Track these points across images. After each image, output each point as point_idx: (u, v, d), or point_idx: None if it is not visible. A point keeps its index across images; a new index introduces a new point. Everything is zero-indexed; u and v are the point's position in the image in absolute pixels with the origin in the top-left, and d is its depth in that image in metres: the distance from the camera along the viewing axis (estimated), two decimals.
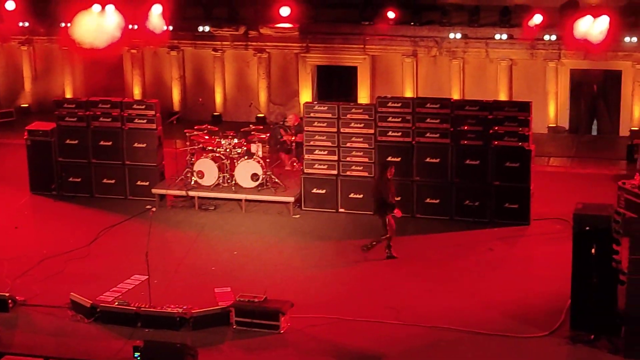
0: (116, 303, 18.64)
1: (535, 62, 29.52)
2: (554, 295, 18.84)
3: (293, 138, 25.46)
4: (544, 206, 23.34)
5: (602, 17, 26.87)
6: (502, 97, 29.36)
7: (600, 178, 25.75)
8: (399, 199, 21.69)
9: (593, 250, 17.23)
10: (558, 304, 18.41)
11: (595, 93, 30.05)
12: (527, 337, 17.65)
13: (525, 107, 23.31)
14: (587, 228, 17.26)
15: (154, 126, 24.97)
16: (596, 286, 17.30)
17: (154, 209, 19.63)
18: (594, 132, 30.39)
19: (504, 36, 29.13)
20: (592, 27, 26.89)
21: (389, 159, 23.50)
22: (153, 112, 24.98)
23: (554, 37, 28.45)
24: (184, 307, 18.25)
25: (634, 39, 27.88)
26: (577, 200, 18.24)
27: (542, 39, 28.72)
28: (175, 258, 21.39)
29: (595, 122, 30.38)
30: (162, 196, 24.75)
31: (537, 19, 28.10)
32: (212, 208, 24.41)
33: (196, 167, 24.44)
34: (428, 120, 23.56)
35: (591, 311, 17.35)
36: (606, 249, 17.20)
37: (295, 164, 25.50)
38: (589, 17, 26.96)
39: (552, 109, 29.70)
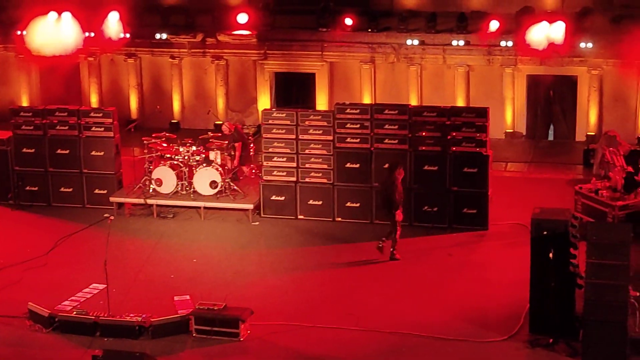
0: (75, 312, 18.51)
1: (492, 68, 29.70)
2: (513, 299, 18.93)
3: (235, 162, 25.18)
4: (502, 211, 23.47)
5: (557, 22, 27.12)
6: (460, 103, 29.52)
7: (558, 183, 25.92)
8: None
9: (551, 255, 17.33)
10: (517, 308, 18.50)
11: (551, 98, 30.28)
12: (487, 341, 17.72)
13: (482, 112, 23.43)
14: (545, 233, 17.36)
15: (111, 134, 24.84)
16: (554, 290, 17.41)
17: (112, 218, 19.48)
18: (551, 137, 30.63)
19: (461, 42, 29.29)
20: (548, 33, 27.11)
21: (348, 165, 23.57)
22: (110, 120, 24.84)
23: (510, 43, 28.62)
24: (143, 316, 18.14)
25: (589, 45, 28.11)
26: (534, 205, 18.35)
27: (499, 45, 28.89)
28: (134, 266, 21.27)
29: (551, 127, 30.62)
30: (120, 204, 24.63)
31: (494, 25, 28.26)
32: (171, 216, 24.32)
33: (154, 175, 24.35)
34: (386, 126, 23.62)
35: (549, 315, 17.46)
36: (564, 253, 17.32)
37: (254, 170, 25.46)
38: (544, 23, 27.18)
39: (510, 115, 29.90)
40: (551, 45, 27.43)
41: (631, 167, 22.96)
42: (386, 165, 21.80)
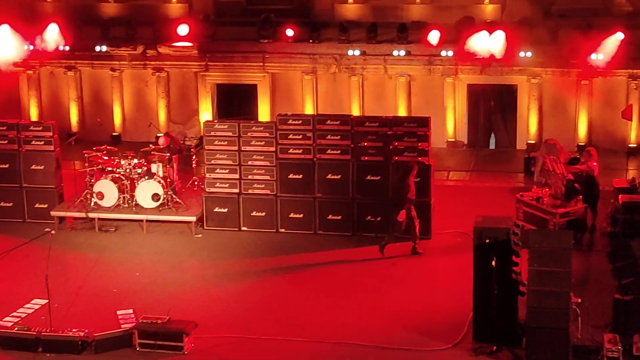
0: (16, 328, 18.29)
1: (433, 77, 29.86)
2: (457, 307, 19.02)
3: (175, 175, 25.05)
4: (445, 220, 23.58)
5: (497, 32, 27.34)
6: (402, 112, 29.64)
7: (499, 191, 26.10)
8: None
9: (493, 263, 17.44)
10: (460, 316, 18.59)
11: (492, 107, 30.49)
12: (431, 350, 17.79)
13: (424, 122, 23.55)
14: (487, 241, 17.47)
15: (51, 148, 24.60)
16: (497, 298, 17.51)
17: (53, 232, 19.33)
18: (492, 146, 30.83)
19: (402, 52, 29.41)
20: (488, 42, 27.33)
21: (291, 176, 23.55)
22: (50, 134, 24.60)
23: (450, 53, 28.80)
24: (86, 331, 17.98)
25: (529, 54, 28.36)
26: (476, 213, 18.46)
27: (439, 55, 29.06)
28: (76, 281, 21.10)
29: (492, 136, 30.84)
30: (62, 218, 24.39)
31: (434, 35, 28.42)
32: (113, 229, 24.14)
33: (96, 189, 24.16)
34: (329, 137, 23.65)
35: (493, 323, 17.56)
36: (506, 261, 17.43)
37: (196, 182, 25.35)
38: (484, 33, 27.39)
39: (451, 124, 30.07)
40: (491, 54, 27.63)
41: (571, 174, 23.18)
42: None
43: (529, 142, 29.44)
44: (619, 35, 27.40)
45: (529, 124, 29.55)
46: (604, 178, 26.04)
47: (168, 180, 24.26)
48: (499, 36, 27.37)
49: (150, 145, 25.04)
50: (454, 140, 30.17)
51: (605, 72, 28.29)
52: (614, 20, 28.76)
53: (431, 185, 23.30)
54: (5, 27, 26.55)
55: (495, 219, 18.23)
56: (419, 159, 23.05)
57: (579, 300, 17.47)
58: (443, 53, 28.91)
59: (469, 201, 25.20)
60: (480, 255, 17.56)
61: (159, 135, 26.20)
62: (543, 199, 23.06)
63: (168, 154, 24.73)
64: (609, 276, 20.35)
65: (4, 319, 18.96)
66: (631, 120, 27.33)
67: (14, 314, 19.29)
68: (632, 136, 28.67)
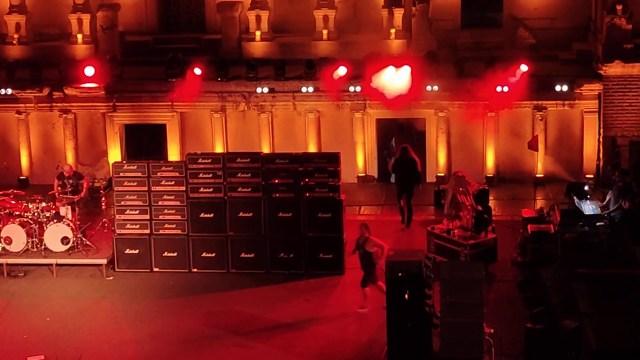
0: None
1: (342, 113, 29.98)
2: (372, 341, 19.08)
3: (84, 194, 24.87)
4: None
5: (403, 67, 27.60)
6: (312, 148, 29.69)
7: (410, 224, 26.23)
8: None
9: (406, 296, 17.53)
10: (375, 350, 18.64)
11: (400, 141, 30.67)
12: None
13: (334, 158, 23.65)
14: (400, 274, 17.56)
15: None
16: (411, 331, 17.59)
17: None
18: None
19: (310, 89, 29.50)
20: (394, 77, 27.56)
21: (202, 215, 23.44)
22: None
23: (358, 89, 28.97)
24: None
25: (435, 87, 28.66)
26: (388, 247, 18.54)
27: (348, 91, 29.21)
28: None
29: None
30: None
31: (342, 70, 28.59)
32: (22, 274, 23.73)
33: (3, 234, 23.76)
34: (239, 174, 23.61)
35: (408, 355, 17.62)
36: (419, 293, 17.54)
37: (106, 224, 25.07)
38: (391, 68, 27.62)
39: (361, 159, 30.19)
40: (398, 89, 27.82)
41: (480, 206, 23.44)
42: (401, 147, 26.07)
43: (438, 174, 29.68)
44: (523, 67, 27.87)
45: (438, 157, 29.81)
46: (512, 209, 26.50)
47: (78, 223, 23.97)
48: (405, 71, 27.62)
49: (58, 188, 24.64)
50: (364, 174, 30.30)
51: (511, 104, 28.71)
52: (518, 53, 29.27)
53: (343, 220, 23.37)
54: None
55: (407, 252, 18.44)
56: (331, 194, 23.15)
57: (492, 330, 17.64)
58: (351, 89, 29.07)
59: (381, 235, 25.22)
60: (393, 289, 17.66)
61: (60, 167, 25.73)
62: (454, 231, 23.28)
63: (73, 181, 24.42)
64: (520, 305, 20.55)
65: None
66: (537, 150, 27.75)
67: None
68: (539, 166, 29.09)
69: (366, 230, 21.03)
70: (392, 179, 28.07)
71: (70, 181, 24.58)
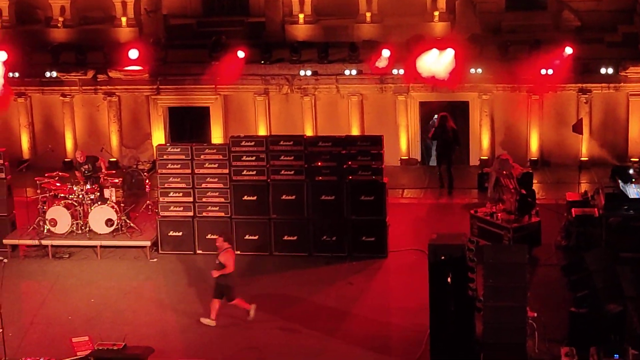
0: None
1: (385, 96, 29.93)
2: (414, 325, 19.04)
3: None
4: (400, 238, 23.63)
5: (447, 50, 27.46)
6: (355, 131, 29.66)
7: (453, 207, 26.20)
8: None
9: (449, 280, 17.47)
10: (418, 334, 18.61)
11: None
12: None
13: (377, 141, 23.60)
14: (443, 257, 17.51)
15: (2, 175, 24.36)
16: (454, 315, 17.54)
17: (5, 260, 19.12)
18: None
19: (354, 72, 29.46)
20: (438, 60, 27.45)
21: (245, 198, 23.50)
22: (1, 161, 24.37)
23: (402, 71, 28.88)
24: (41, 359, 17.77)
25: (479, 70, 28.52)
26: (431, 230, 18.53)
27: (391, 73, 29.14)
28: (30, 309, 20.91)
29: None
30: (15, 247, 24.15)
31: (385, 53, 28.51)
32: (67, 256, 23.94)
33: (48, 215, 23.95)
34: (282, 157, 23.63)
35: (450, 340, 17.57)
36: (462, 277, 17.48)
37: (150, 207, 25.21)
38: (434, 51, 27.51)
39: (404, 142, 30.13)
40: (442, 72, 27.73)
41: (524, 189, 23.32)
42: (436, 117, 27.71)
43: (481, 158, 29.57)
44: (568, 50, 27.66)
45: (482, 140, 29.69)
46: (556, 192, 26.35)
47: (121, 204, 24.12)
48: (449, 53, 27.49)
49: (102, 170, 24.75)
50: (407, 157, 30.24)
51: (555, 87, 28.52)
52: (563, 35, 29.04)
53: (386, 204, 23.34)
54: None
55: (450, 235, 18.32)
56: (373, 177, 23.13)
57: (535, 314, 17.56)
58: (394, 71, 28.99)
59: (424, 218, 25.28)
60: (435, 273, 17.60)
61: (112, 160, 25.75)
62: (497, 214, 23.18)
63: (89, 166, 24.48)
64: (565, 289, 20.47)
65: None
66: (582, 134, 27.53)
67: None
68: (583, 150, 28.89)
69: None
70: (434, 150, 28.67)
71: (86, 166, 24.63)
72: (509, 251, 18.09)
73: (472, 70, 28.51)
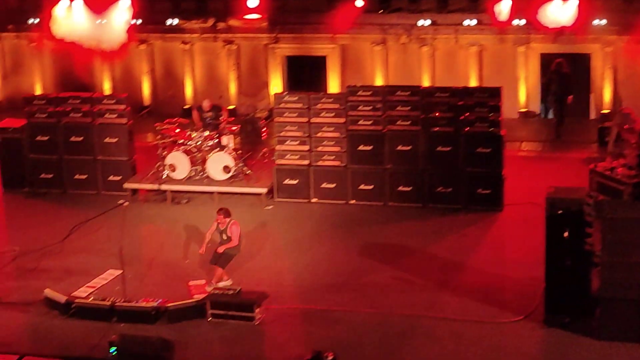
0: (91, 298, 18.56)
1: (504, 47, 29.57)
2: (528, 279, 18.88)
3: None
4: (517, 191, 23.40)
5: (570, 0, 26.93)
6: (473, 83, 29.40)
7: (572, 162, 25.82)
8: None
9: (566, 234, 17.27)
10: (532, 288, 18.45)
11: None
12: (502, 322, 17.69)
13: (495, 92, 23.34)
14: (560, 212, 17.30)
15: (124, 120, 24.86)
16: (570, 269, 17.36)
17: (126, 204, 19.54)
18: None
19: (473, 22, 29.14)
20: (561, 10, 26.93)
21: (361, 147, 23.57)
22: (123, 107, 24.86)
23: (522, 22, 28.46)
24: (159, 301, 18.18)
25: (603, 21, 27.95)
26: (549, 184, 18.29)
27: (511, 24, 28.72)
28: (149, 252, 21.38)
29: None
30: (135, 190, 24.66)
31: (506, 3, 28.07)
32: (185, 201, 24.35)
33: (168, 161, 24.36)
34: (398, 108, 23.56)
35: (565, 294, 17.41)
36: (579, 232, 17.26)
37: (266, 154, 25.44)
38: (557, 1, 26.99)
39: (523, 94, 29.76)
40: (564, 22, 27.23)
41: None
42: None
43: (603, 112, 29.04)
44: None
45: (604, 93, 29.15)
46: None
47: (239, 152, 24.37)
48: (572, 4, 26.95)
49: (221, 118, 24.97)
50: (526, 110, 29.87)
51: None
52: None
53: (503, 156, 23.13)
54: (79, 2, 26.74)
55: (568, 189, 18.06)
56: (491, 129, 22.91)
57: None
58: (515, 22, 28.57)
59: (542, 172, 24.96)
60: (552, 227, 17.41)
61: (230, 107, 25.92)
62: (617, 170, 22.75)
63: (213, 115, 24.68)
64: None
65: (79, 289, 19.24)
66: None
67: (89, 284, 19.55)
68: None
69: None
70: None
71: (210, 114, 24.85)
72: (628, 207, 17.77)
73: (596, 21, 27.93)
